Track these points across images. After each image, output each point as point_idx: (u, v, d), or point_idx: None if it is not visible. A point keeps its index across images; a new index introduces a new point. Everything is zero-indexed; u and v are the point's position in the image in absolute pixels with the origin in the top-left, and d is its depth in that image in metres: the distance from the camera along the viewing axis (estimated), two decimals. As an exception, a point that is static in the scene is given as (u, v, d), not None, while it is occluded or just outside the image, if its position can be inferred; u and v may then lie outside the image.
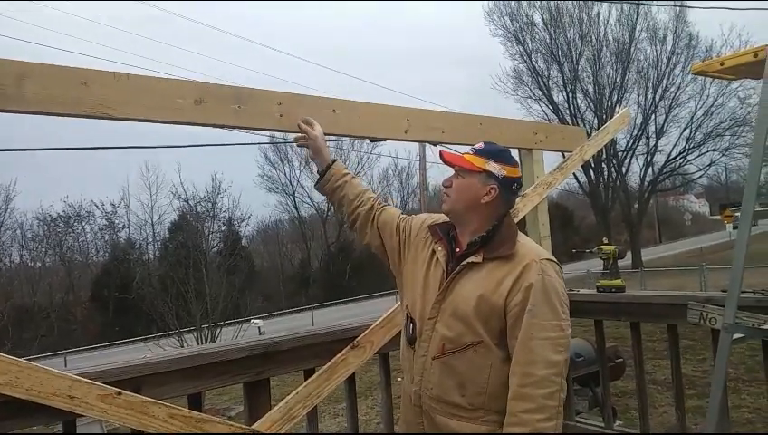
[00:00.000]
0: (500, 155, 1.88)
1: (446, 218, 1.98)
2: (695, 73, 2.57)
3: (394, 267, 2.09)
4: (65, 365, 12.44)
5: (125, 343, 22.20)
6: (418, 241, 2.00)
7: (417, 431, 1.87)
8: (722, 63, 2.36)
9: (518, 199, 3.19)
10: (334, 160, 2.24)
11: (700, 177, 32.81)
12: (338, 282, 32.73)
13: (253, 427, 2.18)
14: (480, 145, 1.90)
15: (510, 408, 1.66)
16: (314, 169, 2.34)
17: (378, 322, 2.57)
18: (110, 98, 1.94)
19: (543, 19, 28.85)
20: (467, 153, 1.88)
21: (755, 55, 2.16)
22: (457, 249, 1.88)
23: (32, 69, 1.81)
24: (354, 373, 2.54)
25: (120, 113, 1.97)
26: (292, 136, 2.39)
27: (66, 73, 1.88)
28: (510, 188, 1.88)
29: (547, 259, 1.77)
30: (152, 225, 30.29)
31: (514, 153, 3.32)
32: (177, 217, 28.29)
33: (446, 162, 1.91)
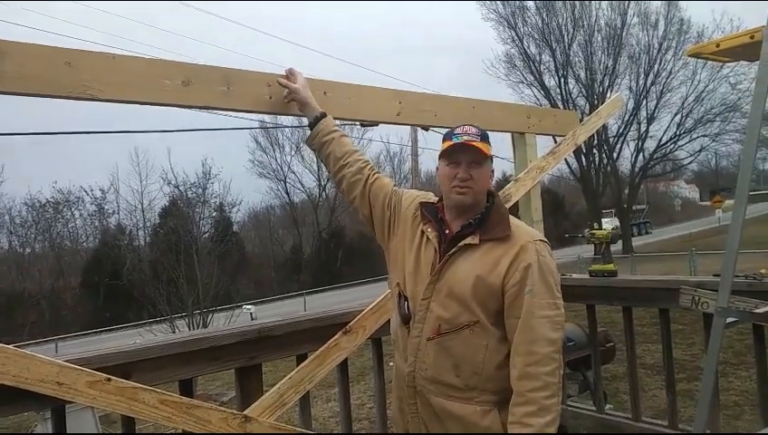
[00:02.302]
0: (488, 138, 1.91)
1: (433, 199, 1.99)
2: (690, 55, 2.55)
3: (381, 239, 2.07)
4: (56, 351, 12.41)
5: (116, 329, 22.12)
6: (407, 217, 1.98)
7: (411, 412, 1.87)
8: (718, 45, 2.35)
9: (511, 184, 3.18)
10: (324, 114, 2.18)
11: (690, 162, 33.11)
12: (329, 268, 32.73)
13: (245, 412, 2.16)
14: (476, 130, 1.87)
15: (517, 387, 1.69)
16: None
17: (370, 307, 2.55)
18: (95, 79, 1.90)
19: (536, 3, 28.74)
20: (473, 140, 1.82)
21: (752, 37, 2.14)
22: (447, 231, 1.87)
23: (12, 48, 1.76)
24: (347, 358, 2.53)
25: (106, 95, 1.93)
26: (282, 119, 2.35)
27: (49, 53, 1.83)
28: None
29: (540, 240, 1.82)
30: (142, 210, 30.06)
31: (507, 137, 3.32)
32: (167, 203, 28.05)
33: (471, 152, 1.82)
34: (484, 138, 1.87)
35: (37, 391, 1.73)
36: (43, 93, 1.84)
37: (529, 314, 1.70)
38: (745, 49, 2.26)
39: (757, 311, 2.29)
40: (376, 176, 2.10)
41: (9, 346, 1.72)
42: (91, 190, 29.31)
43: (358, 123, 2.82)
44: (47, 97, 1.88)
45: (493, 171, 1.90)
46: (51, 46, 1.85)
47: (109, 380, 1.85)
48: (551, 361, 1.68)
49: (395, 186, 2.10)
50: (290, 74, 2.22)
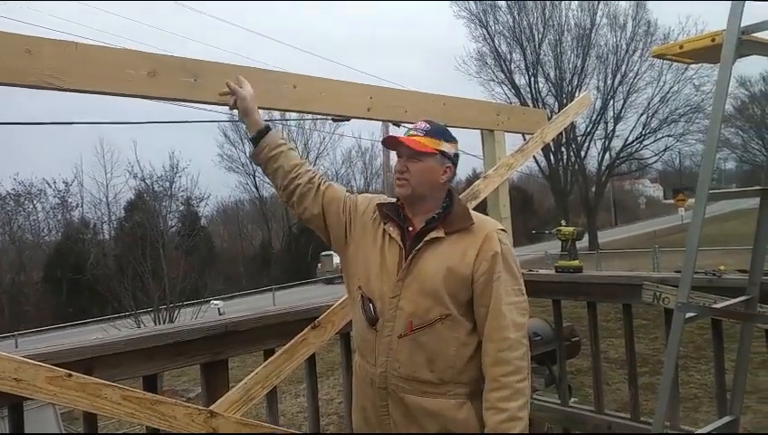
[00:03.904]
0: (449, 134, 1.92)
1: (391, 200, 1.99)
2: (655, 56, 2.60)
3: (337, 246, 2.02)
4: (16, 347, 12.06)
5: (79, 324, 21.60)
6: (365, 220, 1.96)
7: (381, 414, 1.85)
8: (681, 47, 2.40)
9: (479, 181, 3.21)
10: (267, 127, 2.04)
11: (655, 162, 33.81)
12: (299, 263, 32.57)
13: (210, 408, 2.14)
14: (425, 125, 1.88)
15: (490, 373, 1.72)
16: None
17: (339, 302, 2.54)
18: (57, 68, 1.84)
19: (507, 2, 28.96)
20: (416, 135, 1.85)
21: (713, 39, 2.19)
22: (410, 228, 1.88)
23: (-32, 35, 1.70)
24: (315, 354, 2.52)
25: (68, 84, 1.88)
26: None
27: (8, 40, 1.77)
28: (456, 164, 1.93)
29: (501, 229, 1.88)
30: (107, 204, 29.37)
31: (477, 134, 3.35)
32: (133, 197, 27.49)
33: (397, 147, 1.87)
34: (435, 133, 1.86)
35: (-6, 387, 1.68)
36: (5, 82, 1.79)
37: (498, 300, 1.74)
38: (707, 51, 2.31)
39: (716, 306, 2.36)
40: (327, 184, 2.03)
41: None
42: (54, 183, 28.54)
43: (329, 118, 2.79)
44: (9, 86, 1.82)
45: (449, 167, 1.87)
46: (9, 33, 1.79)
47: (69, 375, 1.80)
48: (520, 345, 1.73)
49: (347, 192, 2.06)
50: (238, 81, 2.09)
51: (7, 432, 1.95)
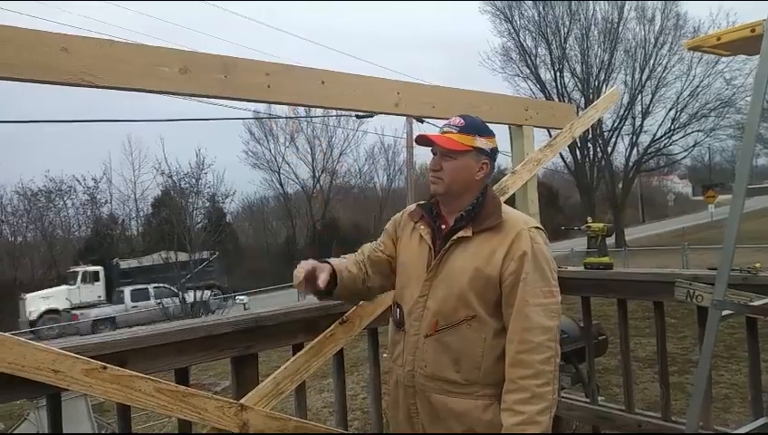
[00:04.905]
0: (485, 129, 1.88)
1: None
2: (690, 49, 2.54)
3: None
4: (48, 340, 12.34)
5: (108, 318, 22.05)
6: (404, 231, 1.98)
7: (411, 413, 1.85)
8: (718, 39, 2.34)
9: (508, 176, 3.18)
10: (333, 270, 1.89)
11: (684, 157, 33.17)
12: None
13: (241, 401, 2.16)
14: (460, 121, 1.85)
15: (508, 374, 1.68)
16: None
17: (366, 297, 2.55)
18: (92, 65, 1.88)
19: (532, -2, 28.64)
20: (450, 132, 1.83)
21: (752, 30, 2.14)
22: (443, 226, 1.87)
23: (9, 33, 1.74)
24: (342, 348, 2.53)
25: (104, 81, 1.91)
26: (276, 110, 2.32)
27: (46, 39, 1.82)
28: (494, 159, 1.89)
29: (535, 227, 1.79)
30: (135, 200, 29.99)
31: (504, 129, 3.32)
32: (160, 193, 27.98)
33: (431, 145, 1.84)
34: (469, 129, 1.83)
35: (33, 378, 1.72)
36: (42, 79, 1.83)
37: (523, 302, 1.69)
38: (745, 43, 2.25)
39: (753, 304, 2.30)
40: (367, 255, 2.02)
41: (6, 333, 1.71)
42: (84, 179, 29.18)
43: (353, 114, 2.80)
44: (45, 83, 1.87)
45: (485, 163, 1.85)
46: (48, 32, 1.83)
47: (105, 368, 1.84)
48: (545, 349, 1.66)
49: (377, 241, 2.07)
50: (300, 271, 1.82)
51: (45, 422, 1.99)
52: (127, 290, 21.32)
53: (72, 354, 1.80)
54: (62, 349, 1.80)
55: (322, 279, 1.80)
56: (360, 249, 2.07)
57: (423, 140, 1.85)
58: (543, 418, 1.62)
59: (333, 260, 1.94)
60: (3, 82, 1.80)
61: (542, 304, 1.69)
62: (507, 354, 1.70)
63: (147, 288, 21.01)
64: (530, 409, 1.61)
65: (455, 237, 1.80)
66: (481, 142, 1.83)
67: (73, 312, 19.97)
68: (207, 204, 28.50)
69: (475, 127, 1.85)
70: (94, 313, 20.21)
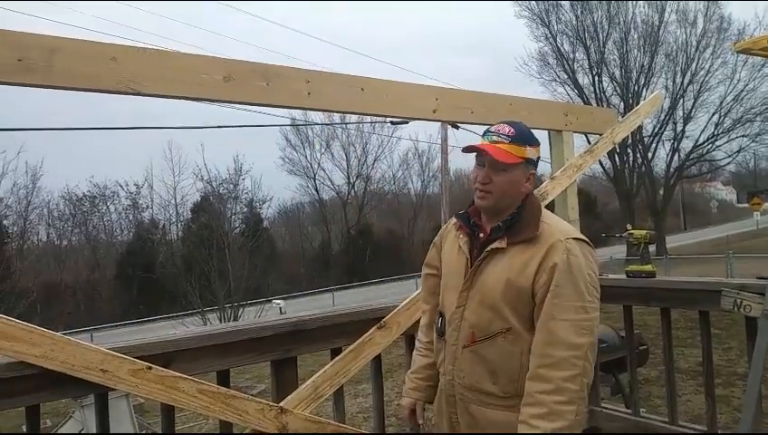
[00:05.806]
0: (533, 138, 1.81)
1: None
2: (738, 52, 2.48)
3: None
4: (91, 340, 12.71)
5: (149, 320, 22.60)
6: (447, 240, 1.98)
7: (453, 421, 1.84)
8: (770, 41, 2.27)
9: (547, 182, 3.14)
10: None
11: (728, 163, 32.14)
12: (357, 265, 32.87)
13: (280, 404, 2.19)
14: (510, 130, 1.75)
15: (527, 388, 1.64)
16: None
17: (404, 303, 2.55)
18: (139, 74, 1.94)
19: (570, 1, 28.25)
20: (500, 141, 1.74)
21: (805, 32, 2.07)
22: (481, 235, 1.83)
23: (61, 44, 1.81)
24: (380, 353, 2.54)
25: (149, 89, 1.97)
26: (313, 117, 2.35)
27: (96, 49, 1.88)
28: (537, 166, 1.85)
29: (574, 238, 1.71)
30: (175, 205, 30.70)
31: (544, 135, 3.28)
32: (199, 199, 28.58)
33: (484, 155, 1.75)
34: (520, 139, 1.74)
35: (83, 377, 1.78)
36: (90, 88, 1.89)
37: (548, 315, 1.62)
38: (799, 45, 2.19)
39: (804, 315, 2.22)
40: (425, 286, 2.11)
41: (57, 333, 1.77)
42: (126, 185, 30.08)
43: (388, 120, 2.81)
44: (93, 91, 1.93)
45: (532, 174, 1.79)
46: (97, 42, 1.90)
47: (150, 368, 1.89)
48: (570, 366, 1.58)
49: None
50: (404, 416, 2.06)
51: (90, 420, 2.05)
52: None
53: (119, 355, 1.85)
54: (109, 349, 1.85)
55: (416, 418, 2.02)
56: (421, 296, 2.16)
57: (473, 150, 1.78)
58: None
59: (417, 364, 2.05)
60: (47, 91, 1.87)
61: (570, 320, 1.61)
62: (529, 368, 1.65)
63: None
64: (545, 425, 1.55)
65: (489, 248, 1.76)
66: (530, 152, 1.77)
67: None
68: (245, 209, 29.01)
69: (526, 137, 1.77)
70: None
